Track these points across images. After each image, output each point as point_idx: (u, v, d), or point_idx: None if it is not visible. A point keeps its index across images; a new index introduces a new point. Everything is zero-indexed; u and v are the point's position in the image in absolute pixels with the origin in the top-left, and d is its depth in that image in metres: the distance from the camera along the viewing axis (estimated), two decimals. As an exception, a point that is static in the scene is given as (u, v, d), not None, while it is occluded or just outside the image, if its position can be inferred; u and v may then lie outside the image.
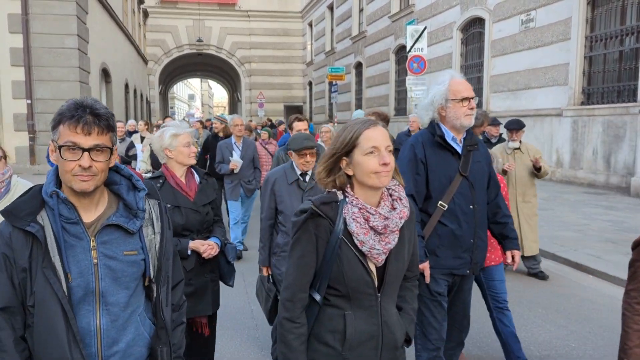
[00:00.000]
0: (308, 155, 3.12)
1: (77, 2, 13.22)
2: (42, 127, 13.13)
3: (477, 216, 2.56)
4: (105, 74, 16.81)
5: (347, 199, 1.53)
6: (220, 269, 2.92)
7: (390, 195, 1.58)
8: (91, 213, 1.41)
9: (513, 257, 2.68)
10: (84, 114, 1.31)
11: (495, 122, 6.07)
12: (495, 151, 5.09)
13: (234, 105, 37.52)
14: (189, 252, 2.72)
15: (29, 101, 12.93)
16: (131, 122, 10.96)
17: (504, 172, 4.84)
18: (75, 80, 13.22)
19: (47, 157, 6.90)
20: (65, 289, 1.34)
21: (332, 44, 25.27)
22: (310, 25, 28.64)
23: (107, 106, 1.30)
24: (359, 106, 22.17)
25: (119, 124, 7.81)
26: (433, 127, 2.60)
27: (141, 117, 24.23)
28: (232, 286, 3.02)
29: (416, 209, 2.46)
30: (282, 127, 15.57)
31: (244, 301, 4.60)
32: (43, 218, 1.36)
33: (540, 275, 5.06)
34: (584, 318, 4.14)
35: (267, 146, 7.98)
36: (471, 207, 2.54)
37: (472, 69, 13.42)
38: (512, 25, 11.73)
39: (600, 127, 9.50)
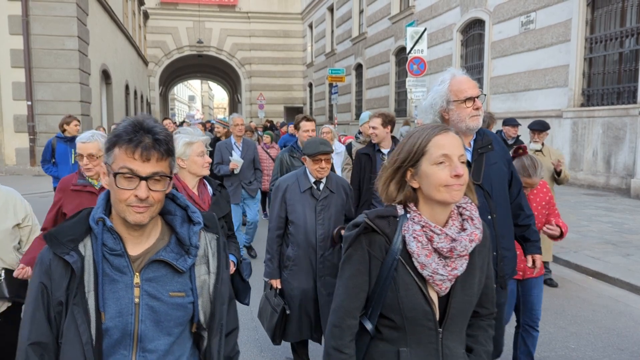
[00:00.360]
0: (323, 161, 2.93)
1: (78, 3, 13.24)
2: (42, 128, 13.14)
3: (497, 226, 2.29)
4: (106, 75, 16.83)
5: (408, 215, 1.35)
6: (235, 286, 2.80)
7: (460, 214, 1.39)
8: (140, 245, 1.26)
9: (534, 262, 2.53)
10: (142, 137, 1.17)
11: (513, 123, 5.92)
12: None
13: (234, 107, 37.53)
14: None
15: (29, 102, 12.95)
16: None
17: (558, 174, 4.70)
18: (76, 82, 13.24)
19: (42, 161, 6.21)
20: (93, 331, 1.19)
21: (333, 46, 25.29)
22: (311, 26, 28.67)
23: (164, 126, 1.25)
24: (359, 107, 22.19)
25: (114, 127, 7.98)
26: None
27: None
28: (247, 304, 2.95)
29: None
30: (284, 129, 15.56)
31: (244, 302, 4.60)
32: (86, 246, 1.22)
33: (549, 283, 4.90)
34: (583, 320, 4.14)
35: (269, 150, 7.75)
36: (489, 217, 2.26)
37: (472, 70, 13.42)
38: (512, 27, 11.74)
39: (600, 128, 9.51)
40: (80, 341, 1.18)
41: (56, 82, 13.06)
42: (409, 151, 1.35)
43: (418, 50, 11.01)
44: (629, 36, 9.13)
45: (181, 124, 17.93)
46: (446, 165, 1.30)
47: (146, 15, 26.90)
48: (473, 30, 13.54)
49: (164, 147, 1.20)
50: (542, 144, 5.06)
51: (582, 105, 10.06)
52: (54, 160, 6.41)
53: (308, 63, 29.13)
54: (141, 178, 1.17)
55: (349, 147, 5.31)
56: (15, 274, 2.58)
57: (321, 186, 3.01)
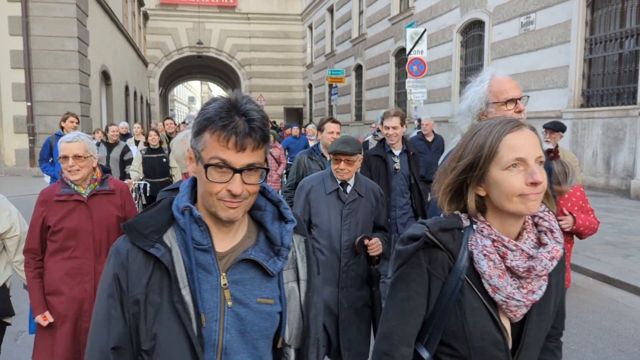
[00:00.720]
0: (342, 162, 2.70)
1: (77, 4, 13.24)
2: (42, 129, 13.14)
3: None
4: (106, 76, 16.83)
5: (475, 226, 1.16)
6: None
7: (536, 224, 1.19)
8: (226, 242, 1.11)
9: None
10: (237, 122, 1.02)
11: (552, 127, 5.69)
12: None
13: (234, 108, 37.48)
14: None
15: (29, 103, 12.95)
16: (123, 124, 10.58)
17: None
18: (76, 83, 13.25)
19: (40, 160, 6.10)
20: (196, 333, 1.04)
21: (332, 47, 25.29)
22: (310, 27, 28.68)
23: (259, 107, 1.11)
24: (358, 108, 22.20)
25: (113, 127, 7.57)
26: None
27: (141, 119, 24.26)
28: None
29: None
30: (288, 131, 15.27)
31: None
32: (170, 239, 1.08)
33: None
34: (583, 321, 4.13)
35: (271, 150, 7.71)
36: None
37: (472, 71, 13.42)
38: (511, 28, 11.74)
39: (600, 129, 9.51)
40: (189, 343, 1.04)
41: (56, 83, 13.06)
42: (474, 154, 1.14)
43: (418, 51, 11.01)
44: (629, 37, 9.14)
45: (178, 125, 17.92)
46: (520, 170, 1.10)
47: (146, 16, 26.91)
48: (473, 31, 13.54)
49: (260, 133, 1.04)
50: (557, 146, 4.82)
51: (582, 106, 10.06)
52: (52, 159, 6.23)
53: (308, 64, 29.14)
54: (235, 170, 1.02)
55: (365, 146, 5.21)
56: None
57: (348, 189, 2.80)
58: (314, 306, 1.17)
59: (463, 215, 1.18)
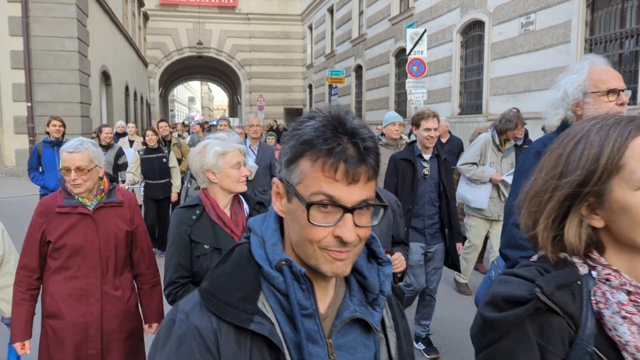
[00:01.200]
0: None
1: (78, 5, 13.24)
2: (42, 129, 13.12)
3: None
4: (106, 76, 16.83)
5: (594, 273, 0.86)
6: None
7: None
8: (325, 297, 0.89)
9: None
10: (346, 146, 0.78)
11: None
12: None
13: (234, 108, 37.55)
14: None
15: (29, 104, 12.95)
16: (120, 123, 10.38)
17: None
18: (76, 83, 13.25)
19: (28, 169, 5.86)
20: None
21: (332, 47, 25.30)
22: (310, 28, 28.68)
23: (366, 127, 0.82)
24: (359, 109, 22.19)
25: (106, 129, 7.21)
26: None
27: (141, 120, 24.26)
28: None
29: None
30: None
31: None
32: (265, 306, 0.83)
33: None
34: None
35: (274, 152, 7.79)
36: None
37: (472, 71, 13.43)
38: (511, 28, 11.74)
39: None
40: None
41: (56, 84, 13.06)
42: (586, 168, 0.84)
43: (418, 51, 11.02)
44: (629, 37, 9.14)
45: (174, 125, 17.86)
46: None
47: (146, 17, 26.92)
48: (473, 32, 13.54)
49: (374, 158, 0.81)
50: None
51: (582, 106, 10.06)
52: (41, 167, 5.91)
53: (308, 64, 29.14)
54: (345, 209, 0.78)
55: None
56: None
57: None
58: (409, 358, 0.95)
59: (577, 260, 0.86)
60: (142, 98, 25.19)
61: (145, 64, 27.03)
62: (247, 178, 5.57)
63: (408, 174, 3.69)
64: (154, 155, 6.59)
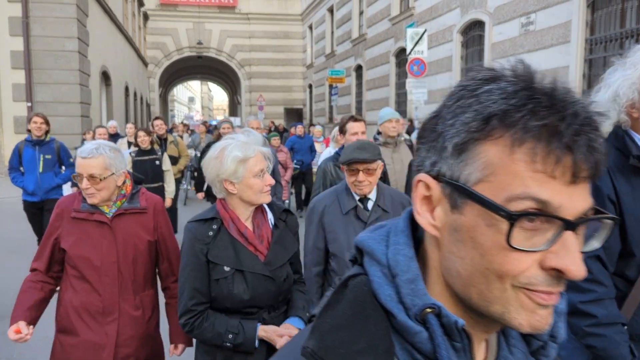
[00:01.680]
0: (360, 173, 2.19)
1: (78, 5, 13.24)
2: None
3: None
4: (106, 76, 16.82)
5: None
6: None
7: None
8: (480, 349, 0.62)
9: None
10: (580, 130, 0.50)
11: None
12: None
13: (234, 108, 37.54)
14: (257, 343, 1.81)
15: (29, 104, 12.95)
16: (111, 123, 10.00)
17: None
18: (76, 83, 13.24)
19: (9, 169, 5.62)
20: None
21: (332, 47, 25.29)
22: (310, 27, 28.67)
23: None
24: (359, 109, 22.17)
25: (100, 131, 6.84)
26: (622, 139, 1.57)
27: (141, 120, 24.24)
28: None
29: (606, 275, 1.50)
30: (292, 130, 14.58)
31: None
32: None
33: None
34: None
35: (277, 154, 7.04)
36: None
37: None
38: (512, 28, 11.74)
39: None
40: None
41: (56, 84, 13.06)
42: None
43: (418, 51, 11.02)
44: (629, 37, 9.14)
45: (174, 126, 17.76)
46: None
47: (146, 17, 26.91)
48: (473, 32, 13.54)
49: (604, 145, 0.52)
50: None
51: (583, 106, 10.06)
52: (22, 167, 5.58)
53: (308, 64, 29.13)
54: (568, 224, 0.50)
55: None
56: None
57: (370, 204, 2.28)
58: None
59: None
60: (142, 98, 25.18)
61: (145, 64, 27.03)
62: None
63: None
64: (147, 158, 6.19)
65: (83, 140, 8.79)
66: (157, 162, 6.26)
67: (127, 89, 20.61)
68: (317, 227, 2.34)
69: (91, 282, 2.07)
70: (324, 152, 6.09)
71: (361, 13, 21.76)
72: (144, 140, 6.19)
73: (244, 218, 1.90)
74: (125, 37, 20.29)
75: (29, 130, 5.53)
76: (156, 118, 8.06)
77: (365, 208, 2.30)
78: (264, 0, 28.81)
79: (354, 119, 3.54)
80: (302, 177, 9.94)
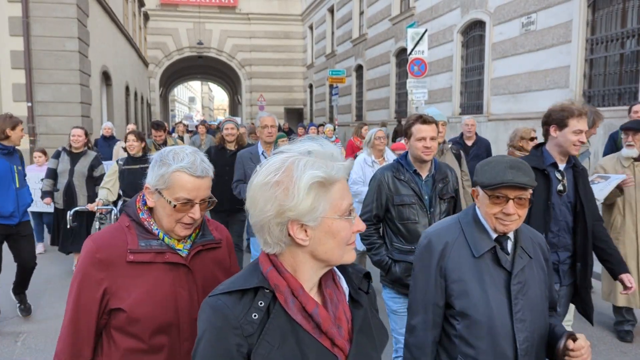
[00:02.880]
0: (511, 203, 1.61)
1: (78, 5, 13.23)
2: (42, 129, 13.13)
3: None
4: (106, 76, 16.82)
5: None
6: None
7: None
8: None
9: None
10: None
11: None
12: (606, 164, 3.97)
13: (234, 108, 37.54)
14: None
15: (29, 104, 12.94)
16: (106, 124, 9.31)
17: (621, 191, 3.75)
18: (76, 83, 13.23)
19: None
20: None
21: (333, 47, 25.29)
22: (311, 27, 28.67)
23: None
24: (359, 109, 22.17)
25: (76, 131, 5.84)
26: None
27: (142, 120, 24.23)
28: None
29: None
30: (300, 131, 13.47)
31: None
32: None
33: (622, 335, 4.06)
34: (584, 321, 4.12)
35: None
36: None
37: (473, 71, 13.42)
38: (512, 28, 11.73)
39: (601, 129, 9.49)
40: None
41: (56, 84, 13.05)
42: None
43: (419, 51, 11.01)
44: (630, 37, 9.12)
45: (175, 125, 17.39)
46: None
47: (146, 17, 26.91)
48: (474, 32, 13.53)
49: None
50: None
51: (583, 106, 10.04)
52: None
53: (308, 64, 29.13)
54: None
55: None
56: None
57: (509, 245, 1.69)
58: None
59: None
60: (142, 98, 25.18)
61: (146, 64, 27.02)
62: None
63: (539, 189, 2.60)
64: (137, 166, 5.05)
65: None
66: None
67: (127, 89, 20.60)
68: (435, 273, 1.69)
69: (163, 351, 1.47)
70: (358, 159, 5.39)
71: (361, 13, 21.75)
72: (133, 146, 5.17)
73: (309, 286, 1.11)
74: (126, 37, 20.28)
75: (5, 137, 4.43)
76: (155, 127, 6.90)
77: (505, 250, 1.68)
78: (264, 0, 28.80)
79: (422, 120, 2.92)
80: None
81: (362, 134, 9.21)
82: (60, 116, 12.70)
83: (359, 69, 22.06)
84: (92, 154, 6.00)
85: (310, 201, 1.04)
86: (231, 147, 5.44)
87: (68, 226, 5.24)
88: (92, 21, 14.71)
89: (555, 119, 2.78)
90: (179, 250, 1.52)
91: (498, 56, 12.30)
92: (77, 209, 5.37)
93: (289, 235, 1.06)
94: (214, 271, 1.58)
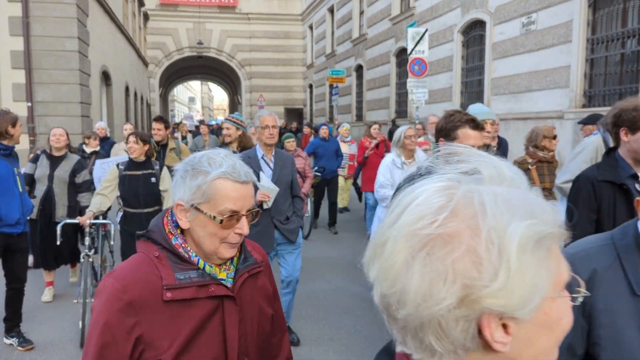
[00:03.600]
0: None
1: (78, 4, 13.22)
2: (42, 129, 13.12)
3: None
4: (106, 76, 16.81)
5: None
6: None
7: None
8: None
9: None
10: None
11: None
12: None
13: (234, 108, 37.52)
14: None
15: (29, 104, 12.93)
16: (100, 124, 8.78)
17: None
18: (76, 83, 13.22)
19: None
20: None
21: (333, 47, 25.28)
22: (311, 27, 28.66)
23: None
24: (359, 109, 22.16)
25: (56, 131, 5.19)
26: None
27: (141, 120, 24.22)
28: None
29: None
30: (307, 131, 12.64)
31: None
32: None
33: None
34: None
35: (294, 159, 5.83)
36: None
37: (473, 71, 13.41)
38: (513, 28, 11.72)
39: (602, 129, 9.47)
40: None
41: (56, 84, 13.04)
42: None
43: (419, 51, 11.01)
44: (631, 37, 9.11)
45: (176, 125, 17.21)
46: None
47: (146, 17, 26.90)
48: (474, 31, 13.52)
49: None
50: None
51: (584, 106, 10.04)
52: None
53: (308, 64, 29.13)
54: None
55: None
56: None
57: None
58: None
59: None
60: (142, 98, 25.17)
61: (146, 64, 27.01)
62: (261, 205, 3.69)
63: (619, 206, 2.18)
64: (139, 172, 4.52)
65: (83, 144, 7.22)
66: (153, 180, 4.51)
67: (127, 88, 20.59)
68: (577, 312, 1.04)
69: None
70: (385, 161, 4.87)
71: (362, 13, 21.74)
72: (134, 149, 4.48)
73: None
74: (126, 37, 20.27)
75: (7, 135, 4.11)
76: (156, 119, 6.23)
77: None
78: (264, 0, 28.80)
79: (473, 124, 2.35)
80: (324, 187, 8.64)
81: (371, 133, 8.87)
82: (60, 116, 12.69)
83: (359, 68, 22.05)
84: (74, 158, 5.31)
85: (531, 276, 0.57)
86: (233, 147, 4.86)
87: (57, 242, 4.38)
88: (92, 21, 14.70)
89: (626, 120, 2.32)
90: (222, 279, 1.27)
91: (498, 56, 12.29)
92: (67, 221, 4.49)
93: (479, 335, 0.59)
94: (260, 302, 1.36)
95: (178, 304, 1.19)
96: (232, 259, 1.32)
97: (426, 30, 11.36)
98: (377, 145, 8.60)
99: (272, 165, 3.91)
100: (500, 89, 12.25)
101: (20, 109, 12.97)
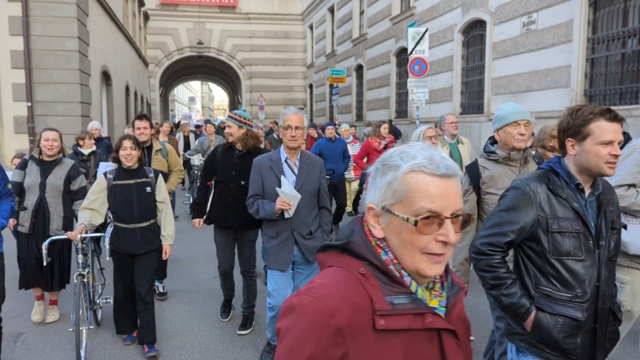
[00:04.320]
0: None
1: (78, 4, 13.22)
2: (42, 129, 13.13)
3: None
4: (106, 76, 16.81)
5: None
6: None
7: None
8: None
9: None
10: None
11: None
12: None
13: (234, 108, 37.51)
14: None
15: (29, 104, 12.93)
16: (93, 124, 8.18)
17: None
18: (76, 83, 13.22)
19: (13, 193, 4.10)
20: None
21: (333, 47, 25.28)
22: (311, 27, 28.67)
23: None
24: (359, 109, 22.15)
25: (47, 134, 4.60)
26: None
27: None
28: None
29: None
30: (312, 132, 12.21)
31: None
32: None
33: None
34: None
35: None
36: None
37: (474, 71, 13.40)
38: (513, 28, 11.71)
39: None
40: None
41: (56, 83, 13.03)
42: None
43: (419, 50, 10.99)
44: (632, 36, 9.10)
45: (177, 124, 17.12)
46: None
47: (146, 17, 26.91)
48: (474, 31, 13.51)
49: None
50: None
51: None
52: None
53: (308, 64, 29.13)
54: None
55: (474, 168, 3.05)
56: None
57: None
58: None
59: None
60: (142, 98, 25.17)
61: (146, 64, 27.02)
62: (282, 215, 3.40)
63: None
64: (132, 182, 3.97)
65: (76, 146, 6.46)
66: (148, 189, 3.99)
67: (127, 88, 20.59)
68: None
69: None
70: None
71: (362, 13, 21.74)
72: (131, 156, 3.92)
73: None
74: (126, 36, 20.27)
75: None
76: (139, 117, 5.39)
77: None
78: (264, 0, 28.81)
79: (610, 114, 2.07)
80: (332, 190, 7.69)
81: (381, 133, 8.22)
82: (60, 116, 12.69)
83: (359, 68, 22.05)
84: (68, 162, 4.68)
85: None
86: (238, 148, 4.33)
87: (44, 263, 3.81)
88: (92, 21, 14.70)
89: None
90: (434, 308, 1.04)
91: (499, 56, 12.28)
92: (53, 238, 3.94)
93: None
94: (465, 337, 1.12)
95: (390, 335, 0.98)
96: (442, 282, 1.09)
97: (426, 30, 11.35)
98: (385, 147, 8.30)
99: (296, 170, 3.49)
100: (501, 88, 12.24)
101: (20, 109, 12.97)
